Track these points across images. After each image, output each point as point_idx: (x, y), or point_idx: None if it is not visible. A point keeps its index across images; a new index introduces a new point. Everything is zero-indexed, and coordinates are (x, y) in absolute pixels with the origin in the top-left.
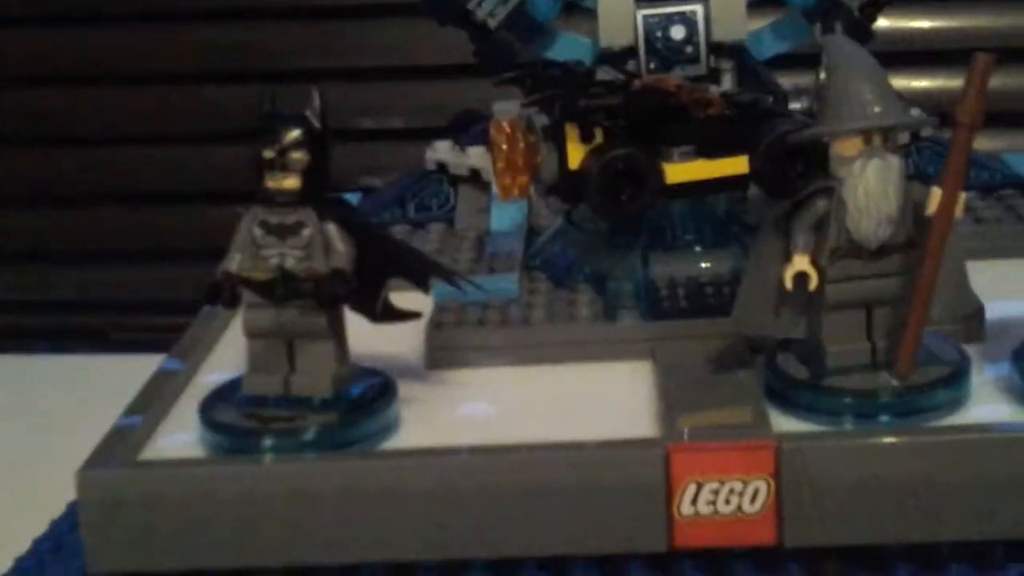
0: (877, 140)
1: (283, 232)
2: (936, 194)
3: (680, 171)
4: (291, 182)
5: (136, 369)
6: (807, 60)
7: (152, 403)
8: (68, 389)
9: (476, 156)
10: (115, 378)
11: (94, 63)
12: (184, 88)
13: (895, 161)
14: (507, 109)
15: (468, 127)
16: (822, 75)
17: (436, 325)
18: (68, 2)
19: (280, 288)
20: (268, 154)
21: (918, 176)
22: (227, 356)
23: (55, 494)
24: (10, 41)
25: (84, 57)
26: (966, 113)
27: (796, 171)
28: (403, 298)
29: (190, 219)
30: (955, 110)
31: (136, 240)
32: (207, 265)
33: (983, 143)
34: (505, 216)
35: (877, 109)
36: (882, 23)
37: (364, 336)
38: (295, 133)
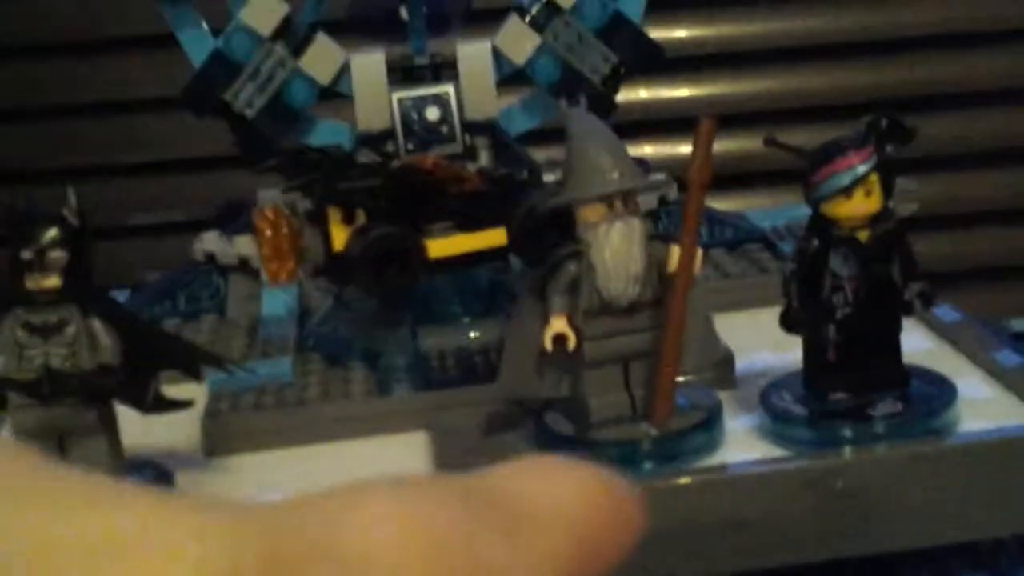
0: (618, 204)
1: (46, 331)
2: (675, 251)
3: (442, 246)
4: (51, 281)
5: None
6: (560, 133)
7: None
8: None
9: (243, 244)
10: None
11: None
12: None
13: (637, 223)
14: (271, 197)
15: (234, 216)
16: (566, 147)
17: (211, 413)
18: None
19: (46, 387)
20: (26, 255)
21: (663, 237)
22: None
23: None
24: None
25: None
26: (696, 172)
27: (551, 239)
28: (180, 389)
29: None
30: (685, 171)
31: None
32: None
33: (727, 203)
34: (276, 302)
35: (615, 175)
36: (641, 94)
37: (141, 429)
38: (52, 232)
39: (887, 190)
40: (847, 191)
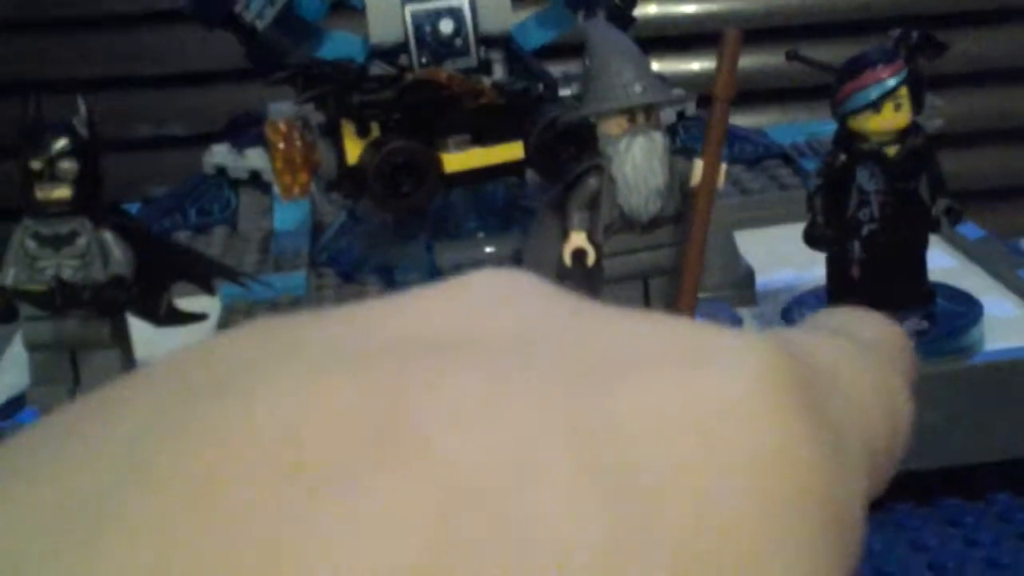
0: (640, 118)
1: (57, 243)
2: (698, 166)
3: (457, 160)
4: (62, 192)
5: None
6: (575, 48)
7: None
8: None
9: (255, 158)
10: None
11: None
12: None
13: (659, 137)
14: (282, 109)
15: (245, 129)
16: (586, 60)
17: (224, 326)
18: None
19: (58, 298)
20: (36, 165)
21: (685, 152)
22: (12, 372)
23: None
24: None
25: None
26: (720, 87)
27: (568, 153)
28: (193, 303)
29: None
30: (710, 85)
31: None
32: None
33: (745, 120)
34: (288, 215)
35: (638, 88)
36: (651, 9)
37: (155, 342)
38: (62, 142)
39: (917, 104)
40: (876, 105)
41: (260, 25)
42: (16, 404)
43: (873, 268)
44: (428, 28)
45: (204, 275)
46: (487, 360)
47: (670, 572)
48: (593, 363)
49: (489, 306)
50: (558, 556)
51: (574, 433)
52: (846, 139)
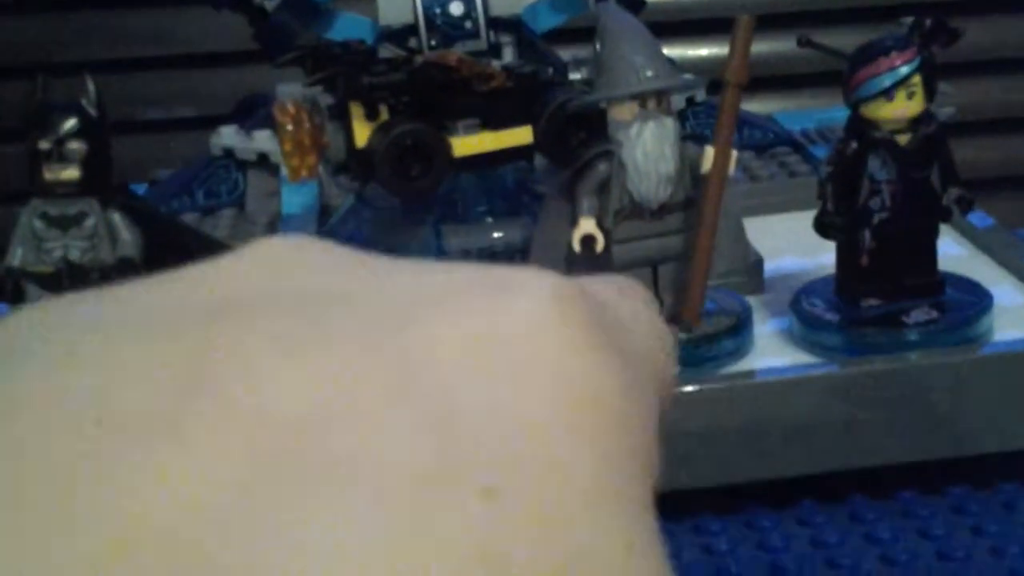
0: (652, 104)
1: (65, 223)
2: (709, 152)
3: (467, 144)
4: (70, 172)
5: None
6: (585, 33)
7: None
8: None
9: (263, 140)
10: None
11: None
12: None
13: (670, 123)
14: (291, 91)
15: (253, 111)
16: (597, 44)
17: None
18: None
19: (66, 280)
20: (44, 145)
21: (695, 138)
22: None
23: None
24: None
25: None
26: (732, 72)
27: (578, 138)
28: None
29: None
30: (722, 71)
31: None
32: None
33: (755, 106)
34: (296, 198)
35: (650, 73)
36: None
37: None
38: (71, 122)
39: (929, 93)
40: (888, 93)
41: (269, 6)
42: None
43: (883, 257)
44: (438, 10)
45: (213, 257)
46: (281, 315)
47: (485, 484)
48: (395, 304)
49: (279, 269)
50: (379, 480)
51: (382, 365)
52: (858, 127)
